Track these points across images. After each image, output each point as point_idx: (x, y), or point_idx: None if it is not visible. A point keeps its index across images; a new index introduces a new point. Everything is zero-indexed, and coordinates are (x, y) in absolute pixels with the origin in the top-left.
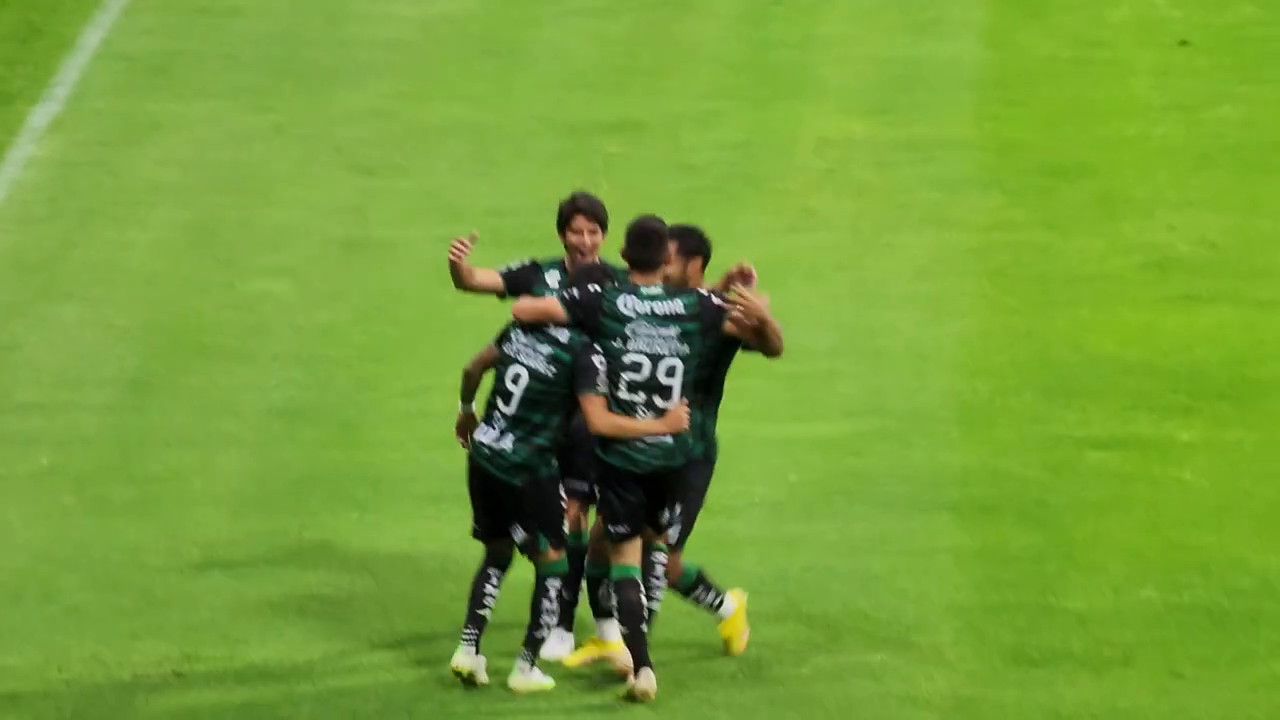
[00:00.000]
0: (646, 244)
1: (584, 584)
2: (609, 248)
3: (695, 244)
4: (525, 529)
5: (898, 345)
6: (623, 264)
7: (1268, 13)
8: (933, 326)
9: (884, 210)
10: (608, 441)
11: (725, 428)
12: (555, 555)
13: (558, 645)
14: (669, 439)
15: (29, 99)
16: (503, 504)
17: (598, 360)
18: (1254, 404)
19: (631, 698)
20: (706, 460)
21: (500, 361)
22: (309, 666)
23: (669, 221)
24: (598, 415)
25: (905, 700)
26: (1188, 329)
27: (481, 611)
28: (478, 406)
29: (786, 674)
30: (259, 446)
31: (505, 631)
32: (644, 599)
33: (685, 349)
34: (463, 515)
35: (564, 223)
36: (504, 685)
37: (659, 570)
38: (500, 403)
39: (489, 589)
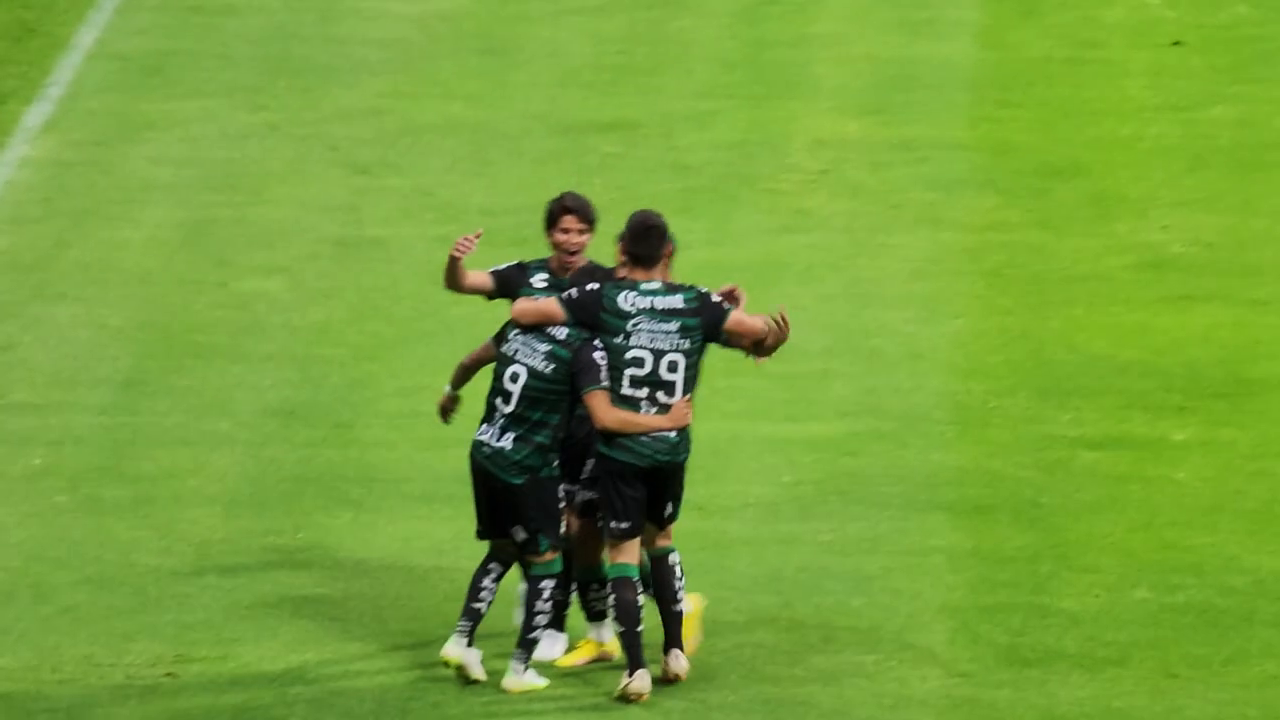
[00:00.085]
0: (646, 239)
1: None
2: (597, 248)
3: None
4: (526, 529)
5: (892, 345)
6: (610, 263)
7: (1261, 13)
8: (927, 327)
9: (878, 210)
10: (611, 436)
11: (720, 428)
12: (551, 556)
13: (550, 646)
14: (672, 433)
15: (23, 98)
16: (503, 504)
17: (598, 356)
18: (1248, 404)
19: (625, 698)
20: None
21: (499, 361)
22: (303, 667)
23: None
24: (603, 410)
25: (899, 700)
26: (1182, 329)
27: (477, 605)
28: (467, 407)
29: (780, 674)
30: (253, 446)
31: (499, 634)
32: (641, 599)
33: (686, 344)
34: (456, 515)
35: (552, 222)
36: (498, 686)
37: (679, 571)
38: (500, 402)
39: (487, 583)
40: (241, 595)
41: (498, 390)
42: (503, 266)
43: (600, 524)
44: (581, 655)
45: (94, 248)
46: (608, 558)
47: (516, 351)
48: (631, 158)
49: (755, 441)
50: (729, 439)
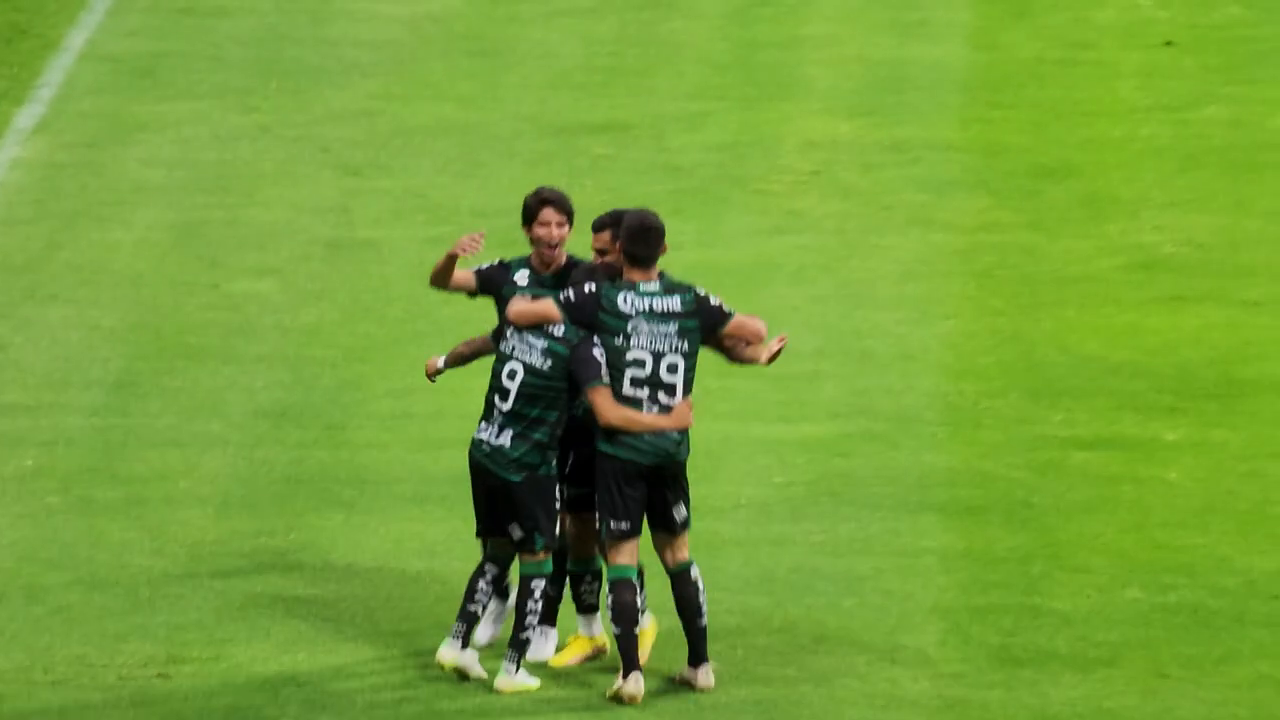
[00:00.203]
0: (644, 240)
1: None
2: (578, 244)
3: None
4: (522, 528)
5: (884, 347)
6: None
7: (1253, 13)
8: (919, 328)
9: (870, 212)
10: (612, 434)
11: (711, 429)
12: (544, 555)
13: (542, 644)
14: (674, 432)
15: (13, 100)
16: (501, 502)
17: (597, 352)
18: (1240, 404)
19: (619, 700)
20: None
21: (497, 358)
22: (295, 667)
23: None
24: (606, 406)
25: (891, 701)
26: (1174, 329)
27: (472, 608)
28: (461, 407)
29: (772, 675)
30: (244, 447)
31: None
32: (639, 601)
33: (685, 345)
34: (448, 516)
35: (531, 216)
36: (490, 687)
37: (701, 585)
38: (498, 399)
39: (482, 585)
40: (233, 596)
41: (496, 388)
42: (484, 265)
43: (597, 523)
44: (574, 653)
45: (85, 249)
46: (606, 559)
47: (514, 349)
48: (623, 159)
49: (747, 442)
50: (720, 440)
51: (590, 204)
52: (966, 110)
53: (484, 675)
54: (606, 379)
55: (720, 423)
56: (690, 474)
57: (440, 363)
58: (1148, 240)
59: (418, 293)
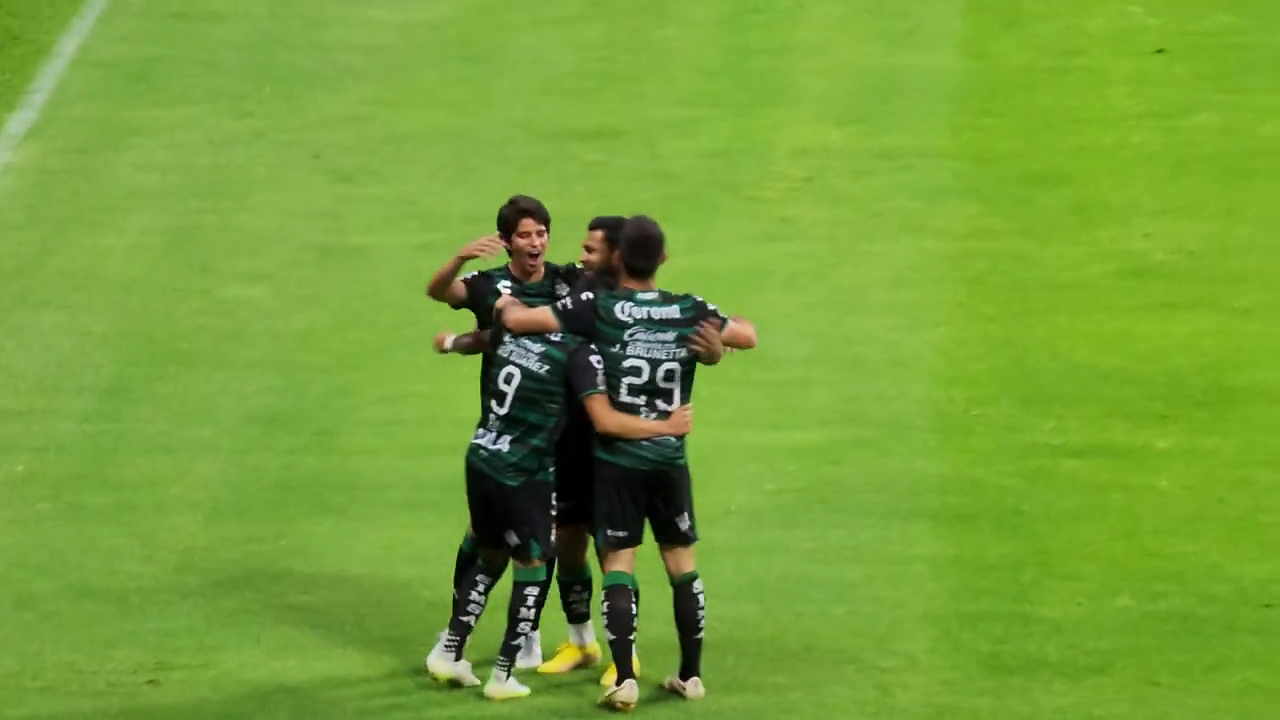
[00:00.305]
0: (644, 250)
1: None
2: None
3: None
4: (519, 534)
5: (875, 353)
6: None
7: (1244, 21)
8: (910, 335)
9: (861, 219)
10: (610, 441)
11: (703, 436)
12: (539, 563)
13: (528, 652)
14: (672, 438)
15: (6, 106)
16: (497, 508)
17: (594, 359)
18: (1230, 411)
19: (611, 706)
20: None
21: (494, 363)
22: (285, 674)
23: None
24: (603, 413)
25: (881, 708)
26: (1164, 336)
27: (465, 618)
28: (450, 413)
29: (763, 682)
30: (235, 453)
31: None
32: (634, 608)
33: (683, 353)
34: (439, 523)
35: (510, 227)
36: (480, 694)
37: (703, 600)
38: (494, 404)
39: (474, 596)
40: (223, 602)
41: (492, 392)
42: (468, 276)
43: (594, 530)
44: (564, 661)
45: (77, 255)
46: (602, 566)
47: (511, 353)
48: (614, 165)
49: (738, 450)
50: (712, 447)
51: (581, 210)
52: (957, 117)
53: (476, 683)
54: (603, 386)
55: (711, 430)
56: None
57: (448, 342)
58: (1138, 247)
59: (409, 299)
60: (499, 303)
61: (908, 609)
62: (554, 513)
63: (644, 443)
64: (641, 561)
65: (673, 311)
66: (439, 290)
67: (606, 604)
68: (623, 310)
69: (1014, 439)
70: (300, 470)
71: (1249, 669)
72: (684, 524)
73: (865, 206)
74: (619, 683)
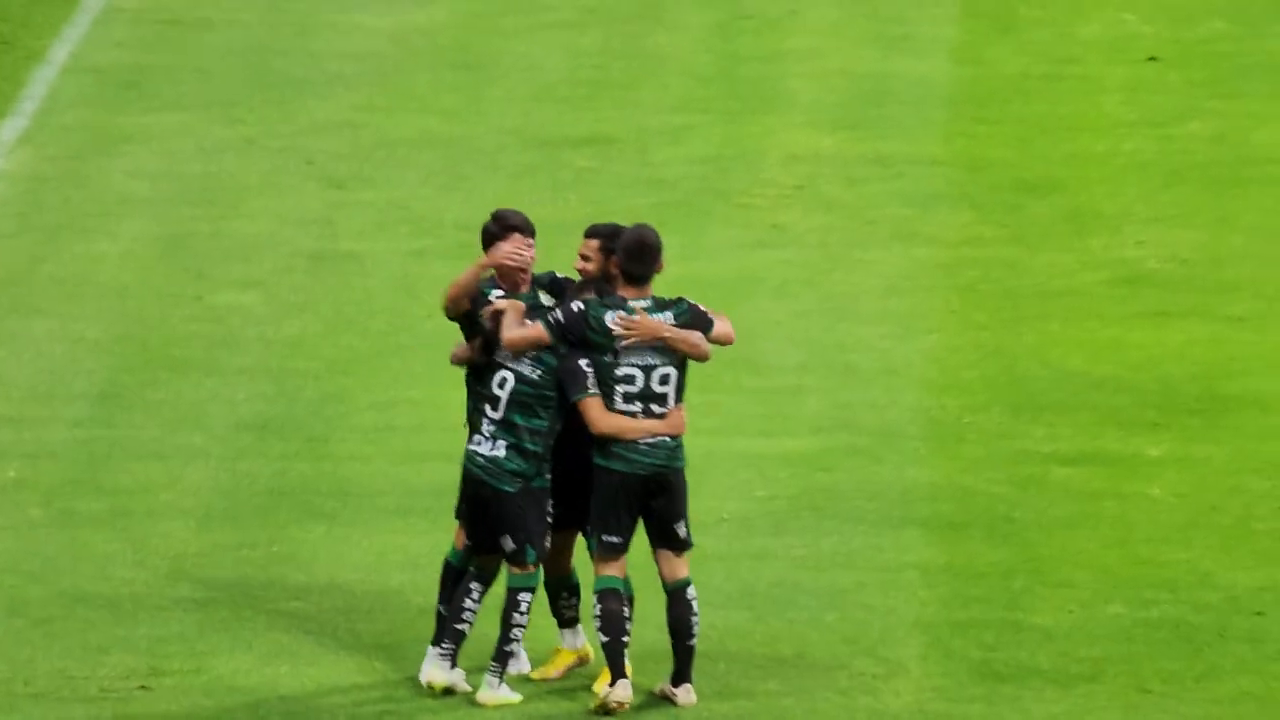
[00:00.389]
0: (641, 258)
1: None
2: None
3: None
4: (514, 540)
5: (867, 361)
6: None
7: (1237, 28)
8: (902, 342)
9: (853, 226)
10: (607, 447)
11: (694, 443)
12: (534, 569)
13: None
14: (668, 439)
15: None
16: (494, 514)
17: (583, 363)
18: (1223, 419)
19: (605, 709)
20: None
21: (487, 369)
22: (277, 679)
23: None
24: (597, 416)
25: (872, 715)
26: (1157, 344)
27: (459, 626)
28: (440, 419)
29: (754, 688)
30: (227, 459)
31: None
32: (627, 610)
33: (677, 357)
34: (431, 529)
35: (496, 243)
36: (472, 700)
37: (696, 607)
38: (489, 410)
39: (468, 604)
40: (215, 608)
41: (486, 397)
42: None
43: (589, 534)
44: (556, 666)
45: (70, 262)
46: (595, 569)
47: (505, 357)
48: (606, 172)
49: (729, 457)
50: (703, 454)
51: (574, 217)
52: (950, 125)
53: (469, 689)
54: (595, 389)
55: (702, 437)
56: None
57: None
58: (1131, 255)
59: (401, 305)
60: (494, 305)
61: (899, 616)
62: (549, 518)
63: (641, 447)
64: (634, 570)
65: (667, 318)
66: (460, 300)
67: (599, 607)
68: (613, 319)
69: (1006, 446)
70: (292, 476)
71: (1241, 677)
72: (681, 530)
73: (857, 214)
74: (612, 683)
